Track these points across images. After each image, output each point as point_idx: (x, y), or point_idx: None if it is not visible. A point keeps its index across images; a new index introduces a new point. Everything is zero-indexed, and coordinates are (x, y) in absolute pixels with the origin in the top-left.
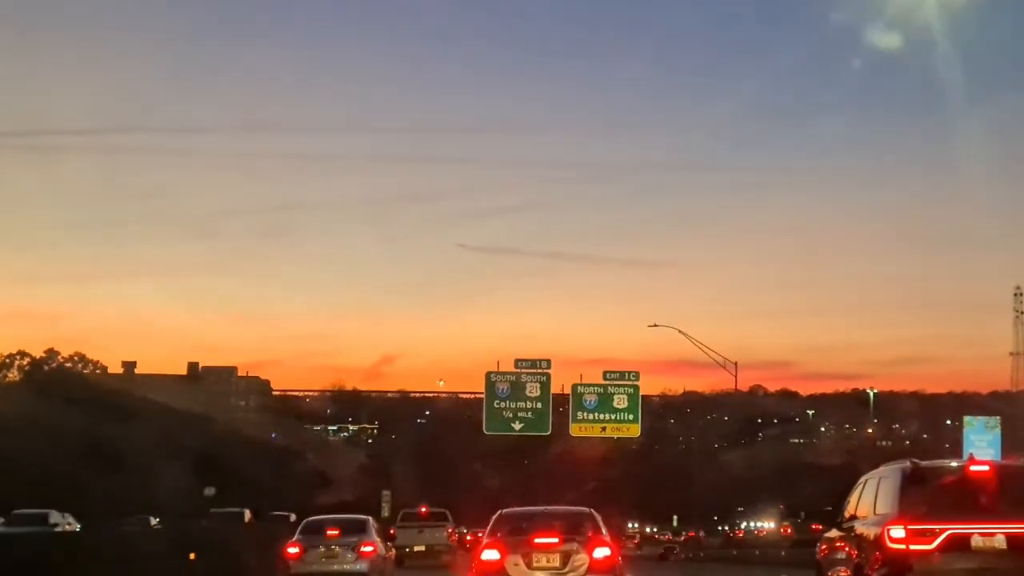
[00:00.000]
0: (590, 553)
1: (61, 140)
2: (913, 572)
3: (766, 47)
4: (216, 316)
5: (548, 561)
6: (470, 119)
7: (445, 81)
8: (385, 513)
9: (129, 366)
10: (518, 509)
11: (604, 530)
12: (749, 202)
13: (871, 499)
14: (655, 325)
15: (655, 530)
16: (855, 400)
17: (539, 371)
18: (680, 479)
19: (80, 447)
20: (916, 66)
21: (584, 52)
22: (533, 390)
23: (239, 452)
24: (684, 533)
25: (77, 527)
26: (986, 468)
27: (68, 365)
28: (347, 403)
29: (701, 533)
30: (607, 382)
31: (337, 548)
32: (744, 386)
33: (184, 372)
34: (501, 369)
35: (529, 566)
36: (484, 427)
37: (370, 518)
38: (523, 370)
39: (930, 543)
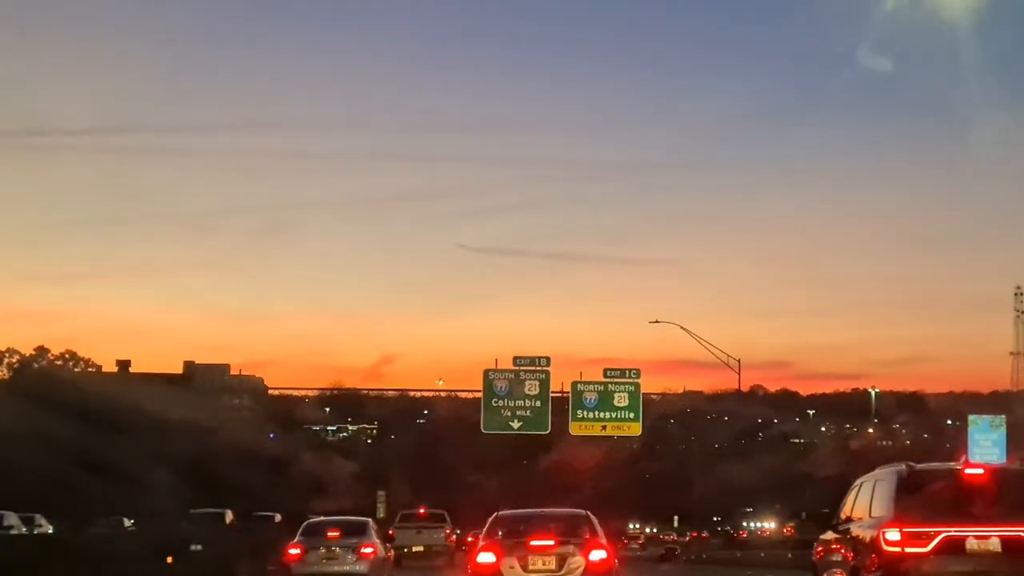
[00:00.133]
0: (586, 555)
1: (56, 140)
2: (908, 575)
3: (767, 46)
4: (214, 315)
5: (544, 564)
6: (470, 118)
7: (444, 80)
8: (380, 514)
9: (123, 365)
10: (514, 511)
11: (600, 532)
12: (749, 202)
13: (867, 502)
14: (656, 321)
15: (654, 530)
16: (855, 400)
17: (538, 369)
18: (680, 479)
19: (67, 447)
20: (916, 66)
21: (584, 51)
22: (532, 388)
23: (230, 452)
24: (689, 534)
25: (50, 530)
26: (981, 471)
27: (59, 363)
28: (346, 403)
29: (704, 533)
30: (607, 380)
31: (337, 549)
32: (744, 386)
33: (180, 371)
34: (500, 367)
35: (525, 568)
36: (482, 426)
37: (370, 520)
38: (522, 368)
39: (925, 546)
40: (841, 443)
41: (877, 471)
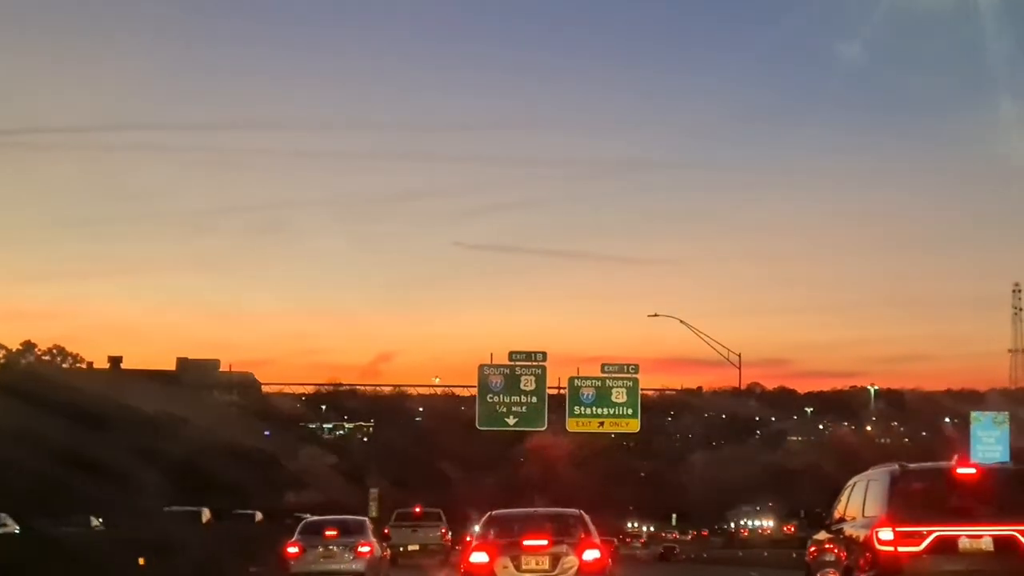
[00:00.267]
0: (579, 555)
1: (49, 138)
2: (902, 574)
3: (767, 46)
4: (209, 314)
5: (537, 563)
6: (466, 117)
7: (440, 79)
8: (373, 512)
9: (115, 361)
10: (507, 511)
11: (594, 532)
12: (747, 201)
13: (860, 501)
14: (655, 315)
15: (651, 528)
16: (853, 398)
17: (534, 364)
18: (678, 477)
19: (48, 443)
20: (914, 65)
21: (581, 50)
22: (528, 384)
23: (217, 448)
24: (692, 532)
25: (16, 529)
26: (973, 471)
27: (46, 359)
28: (342, 401)
29: (703, 532)
30: (605, 375)
31: (335, 548)
32: (742, 383)
33: (173, 368)
34: (495, 362)
35: (518, 568)
36: (477, 422)
37: (367, 519)
38: (518, 363)
39: (918, 545)
40: (839, 441)
41: (870, 471)
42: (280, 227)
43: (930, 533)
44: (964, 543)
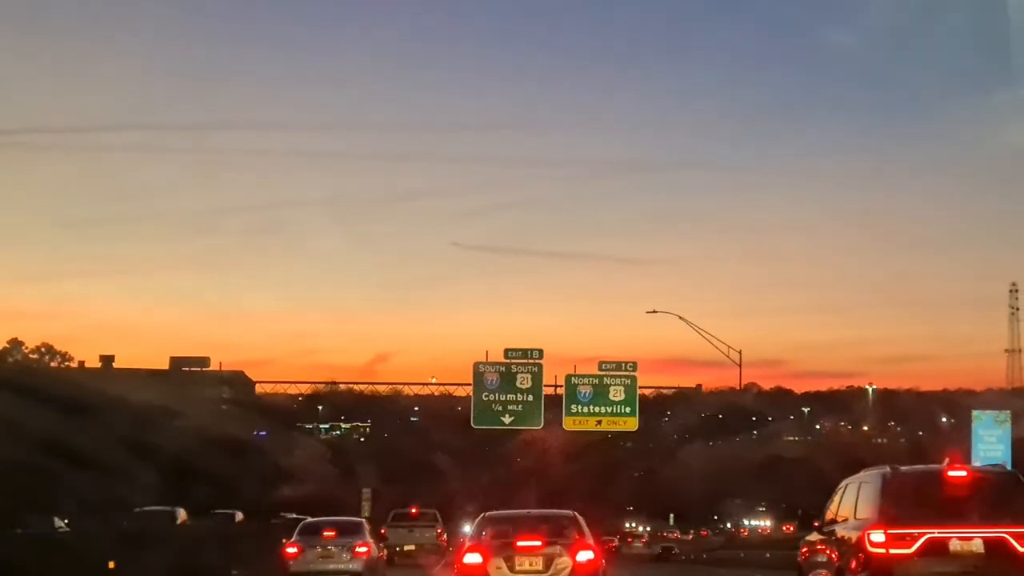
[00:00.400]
0: (573, 556)
1: (43, 138)
2: None
3: (766, 47)
4: (206, 314)
5: (531, 564)
6: (463, 117)
7: (438, 79)
8: (366, 512)
9: (107, 360)
10: (501, 512)
11: (587, 533)
12: (744, 201)
13: (852, 503)
14: (654, 311)
15: (648, 528)
16: (850, 398)
17: (531, 361)
18: (677, 476)
19: (31, 441)
20: (912, 65)
21: (578, 50)
22: (524, 381)
23: (203, 446)
24: (693, 532)
25: None
26: (964, 473)
27: (34, 357)
28: (339, 401)
29: (703, 531)
30: (603, 373)
31: (333, 549)
32: (737, 383)
33: (166, 367)
34: (490, 359)
35: (512, 569)
36: (472, 421)
37: (364, 520)
38: (514, 360)
39: (909, 547)
40: (836, 441)
41: (862, 473)
42: (278, 227)
43: (921, 535)
44: (955, 545)
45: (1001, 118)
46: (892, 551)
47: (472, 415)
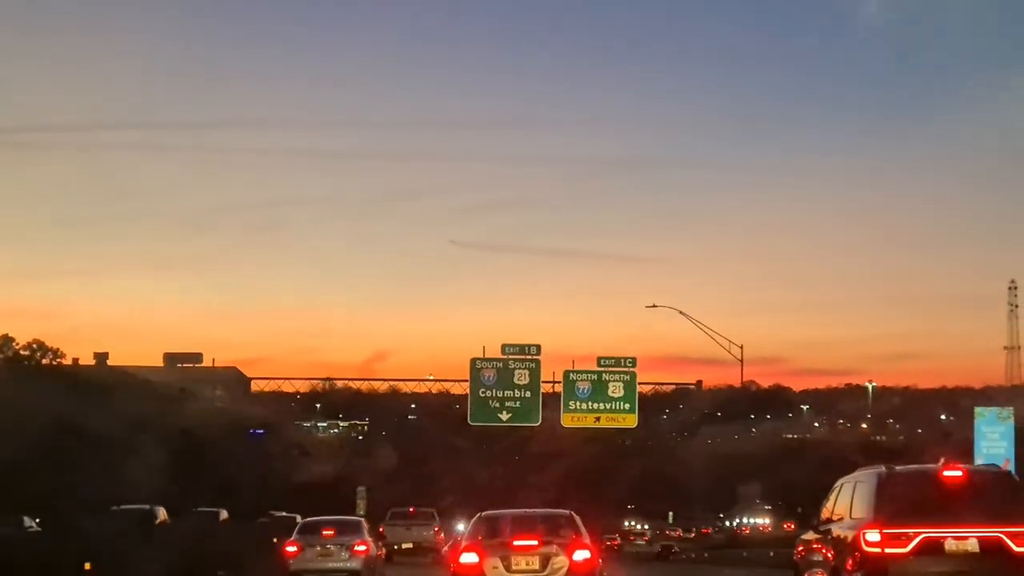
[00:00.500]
0: (570, 555)
1: (44, 137)
2: (888, 575)
3: (766, 46)
4: (206, 312)
5: (527, 564)
6: (463, 117)
7: (435, 78)
8: (361, 510)
9: (101, 357)
10: (497, 511)
11: (584, 532)
12: (743, 200)
13: (847, 502)
14: (653, 305)
15: (646, 526)
16: (849, 396)
17: (528, 357)
18: (677, 474)
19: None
20: (910, 66)
21: (577, 49)
22: (522, 377)
23: (197, 443)
24: (694, 530)
25: None
26: (959, 473)
27: (25, 353)
28: (337, 399)
29: (705, 529)
30: (602, 368)
31: (332, 547)
32: (737, 381)
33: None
34: (488, 355)
35: (508, 569)
36: (469, 418)
37: (362, 519)
38: (511, 356)
39: (905, 546)
40: (834, 439)
41: (857, 472)
42: (277, 226)
43: (917, 535)
44: (950, 545)
45: (1000, 118)
46: (887, 550)
47: (469, 412)
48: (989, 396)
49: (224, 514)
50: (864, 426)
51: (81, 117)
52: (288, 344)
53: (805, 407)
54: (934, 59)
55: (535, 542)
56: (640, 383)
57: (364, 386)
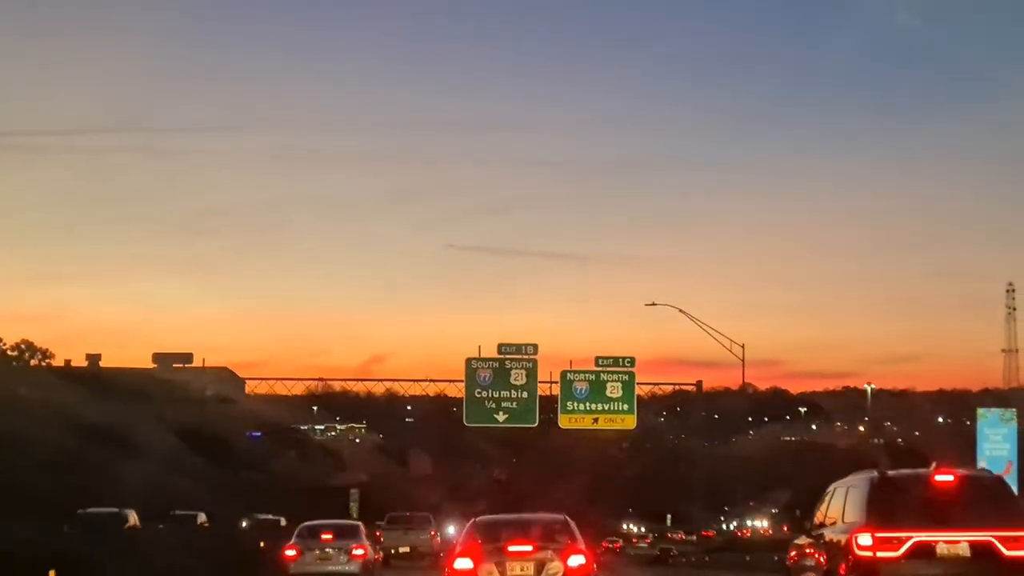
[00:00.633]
0: (564, 561)
1: (37, 141)
2: None
3: (765, 48)
4: (202, 315)
5: (522, 569)
6: (458, 119)
7: (432, 81)
8: (353, 514)
9: (93, 359)
10: (492, 516)
11: (579, 537)
12: (740, 201)
13: (840, 507)
14: (653, 304)
15: (643, 529)
16: (846, 398)
17: (525, 357)
18: (673, 477)
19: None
20: (908, 70)
21: (576, 50)
22: (518, 378)
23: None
24: (695, 533)
25: None
26: (950, 477)
27: (13, 354)
28: (335, 402)
29: (704, 532)
30: (600, 368)
31: (331, 551)
32: (736, 382)
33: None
34: (483, 355)
35: (503, 574)
36: (464, 419)
37: (360, 523)
38: (507, 356)
39: (896, 550)
40: (832, 441)
41: (850, 477)
42: (274, 228)
43: (908, 539)
44: (942, 548)
45: (998, 121)
46: (879, 554)
47: (464, 413)
48: (986, 399)
49: (202, 517)
50: (862, 429)
51: (75, 120)
52: (285, 347)
53: (803, 409)
54: (933, 62)
55: (530, 547)
56: (639, 383)
57: (360, 388)
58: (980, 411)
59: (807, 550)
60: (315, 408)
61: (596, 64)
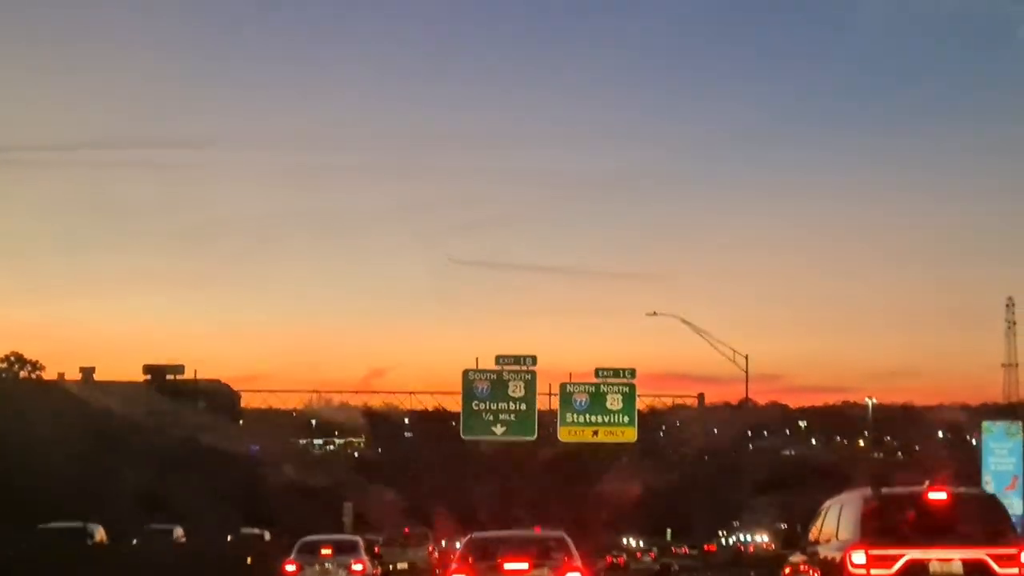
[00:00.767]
0: None
1: (33, 155)
2: None
3: (767, 63)
4: (199, 330)
5: None
6: (458, 131)
7: (429, 94)
8: (347, 528)
9: (87, 372)
10: (488, 533)
11: (575, 554)
12: (739, 216)
13: (834, 524)
14: (654, 313)
15: (642, 543)
16: (846, 412)
17: (523, 369)
18: (677, 491)
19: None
20: (906, 82)
21: (570, 65)
22: (517, 389)
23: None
24: (700, 547)
25: None
26: (944, 495)
27: (2, 366)
28: (333, 417)
29: (708, 547)
30: (600, 380)
31: (330, 566)
32: (734, 398)
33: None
34: (481, 367)
35: None
36: (461, 431)
37: (359, 539)
38: (505, 367)
39: (890, 568)
40: (832, 455)
41: (844, 494)
42: (271, 242)
43: (901, 556)
44: (935, 567)
45: (999, 134)
46: (873, 571)
47: (461, 425)
48: (986, 413)
49: (179, 531)
50: (862, 443)
51: (70, 135)
52: (283, 362)
53: (803, 424)
54: (933, 78)
55: (526, 565)
56: (641, 394)
57: (357, 402)
58: (985, 424)
59: (802, 567)
60: (313, 422)
61: (597, 78)
